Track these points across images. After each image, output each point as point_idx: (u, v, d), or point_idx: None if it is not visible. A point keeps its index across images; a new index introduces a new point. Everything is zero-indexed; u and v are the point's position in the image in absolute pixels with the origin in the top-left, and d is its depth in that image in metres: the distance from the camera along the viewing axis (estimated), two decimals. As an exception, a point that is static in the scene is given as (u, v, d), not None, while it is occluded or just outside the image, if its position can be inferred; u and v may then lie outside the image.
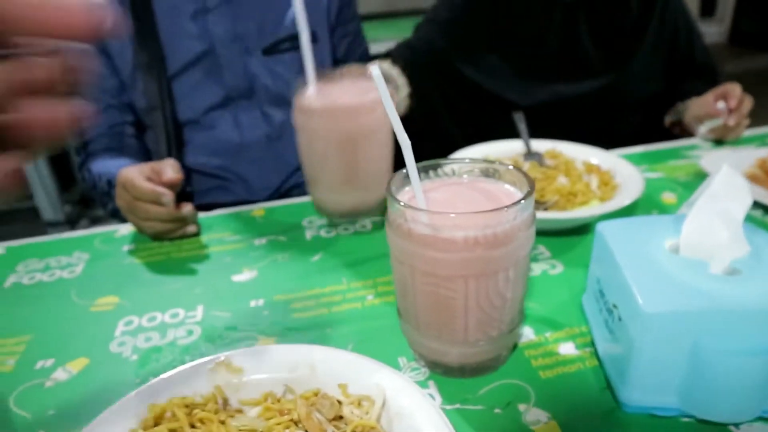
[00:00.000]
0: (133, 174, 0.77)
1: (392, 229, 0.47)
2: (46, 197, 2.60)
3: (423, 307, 0.49)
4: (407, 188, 0.50)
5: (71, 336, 0.63)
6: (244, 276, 0.72)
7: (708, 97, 1.05)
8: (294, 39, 1.07)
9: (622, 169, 0.86)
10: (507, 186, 0.52)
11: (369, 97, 0.72)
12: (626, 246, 0.52)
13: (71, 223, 2.81)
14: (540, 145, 0.96)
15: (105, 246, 0.83)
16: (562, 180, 0.84)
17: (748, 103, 1.02)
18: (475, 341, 0.50)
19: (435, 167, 0.54)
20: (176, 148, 1.06)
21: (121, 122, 1.06)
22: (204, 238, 0.82)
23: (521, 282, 0.50)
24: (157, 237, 0.81)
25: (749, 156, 0.93)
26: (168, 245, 0.81)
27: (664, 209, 0.84)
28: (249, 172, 1.09)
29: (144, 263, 0.77)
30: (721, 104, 1.02)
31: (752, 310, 0.43)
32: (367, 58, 1.24)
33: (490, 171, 0.53)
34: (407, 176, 0.49)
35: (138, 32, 1.00)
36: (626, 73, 1.15)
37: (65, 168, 3.03)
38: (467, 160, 0.54)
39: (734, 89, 1.02)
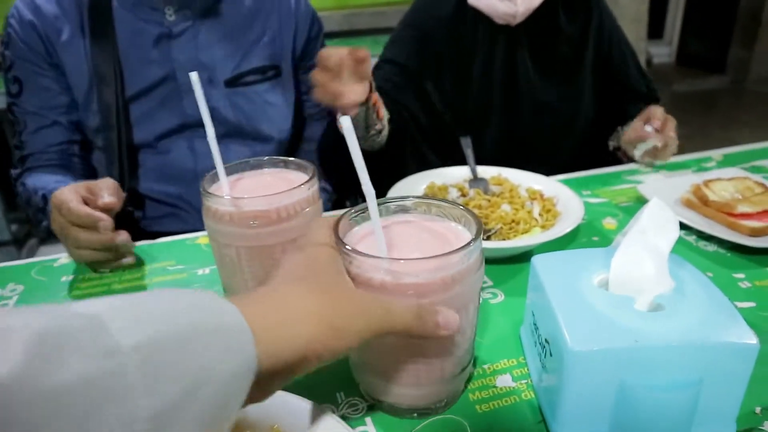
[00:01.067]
0: (67, 196, 0.73)
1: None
2: (-10, 216, 2.51)
3: (379, 352, 0.49)
4: (354, 230, 0.50)
5: None
6: (185, 308, 0.70)
7: (636, 123, 1.09)
8: (258, 72, 1.06)
9: (564, 196, 0.88)
10: (453, 224, 0.52)
11: (294, 198, 0.60)
12: (558, 280, 0.53)
13: (18, 243, 2.71)
14: (486, 170, 0.98)
15: (42, 277, 0.80)
16: (505, 208, 0.85)
17: (672, 123, 1.07)
18: (428, 383, 0.50)
19: (382, 204, 0.54)
20: (129, 172, 1.03)
21: (67, 140, 1.03)
22: (147, 267, 0.81)
23: (473, 321, 0.50)
24: (93, 267, 0.79)
25: (686, 181, 0.97)
26: (109, 276, 0.79)
27: (604, 235, 0.87)
28: (196, 198, 1.08)
29: (82, 296, 0.75)
30: (648, 127, 1.06)
31: (673, 346, 0.45)
32: None
33: (436, 208, 0.53)
34: (354, 218, 0.49)
35: (97, 49, 0.97)
36: (568, 100, 1.19)
37: (10, 186, 2.93)
38: (411, 198, 0.54)
39: (656, 111, 1.07)
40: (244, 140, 1.07)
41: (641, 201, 0.96)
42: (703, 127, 3.95)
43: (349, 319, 0.38)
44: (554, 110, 1.18)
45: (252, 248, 0.61)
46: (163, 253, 0.84)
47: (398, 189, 0.90)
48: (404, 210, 0.54)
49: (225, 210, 0.59)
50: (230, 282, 0.66)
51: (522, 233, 0.80)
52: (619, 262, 0.52)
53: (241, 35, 1.05)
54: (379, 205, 0.53)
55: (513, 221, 0.83)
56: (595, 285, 0.52)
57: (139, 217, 1.07)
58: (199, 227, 1.07)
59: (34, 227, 0.95)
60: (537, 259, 0.57)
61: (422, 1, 1.22)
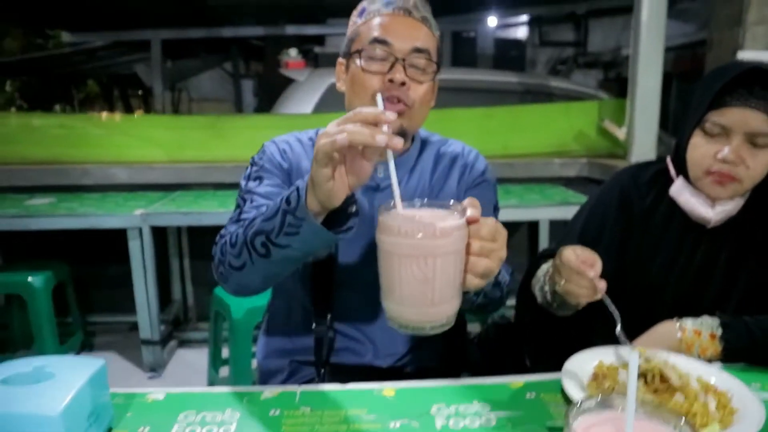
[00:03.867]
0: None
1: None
2: (147, 317, 2.78)
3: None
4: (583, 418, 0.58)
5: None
6: (385, 460, 0.79)
7: None
8: None
9: (738, 392, 0.90)
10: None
11: (447, 223, 0.77)
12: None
13: (163, 342, 2.97)
14: (652, 354, 1.01)
15: (253, 407, 0.93)
16: (678, 398, 0.88)
17: None
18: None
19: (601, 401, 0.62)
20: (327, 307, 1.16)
21: None
22: (341, 413, 0.91)
23: None
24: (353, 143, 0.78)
25: None
26: (310, 416, 0.90)
27: (783, 439, 0.86)
28: (378, 335, 1.18)
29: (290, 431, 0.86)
30: None
31: None
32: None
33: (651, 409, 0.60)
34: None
35: None
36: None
37: (164, 288, 3.27)
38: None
39: None
40: None
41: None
42: None
43: None
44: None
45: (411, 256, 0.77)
46: (355, 400, 0.95)
47: (571, 364, 0.96)
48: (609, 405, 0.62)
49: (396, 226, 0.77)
50: (388, 286, 0.80)
51: (700, 427, 0.83)
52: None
53: (430, 190, 1.21)
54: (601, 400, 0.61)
55: (688, 413, 0.85)
56: None
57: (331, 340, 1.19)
58: (371, 361, 1.17)
59: (274, 233, 0.93)
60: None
61: (622, 182, 1.30)
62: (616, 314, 1.01)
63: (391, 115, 0.79)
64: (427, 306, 0.79)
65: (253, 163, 1.20)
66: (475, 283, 0.82)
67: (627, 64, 3.28)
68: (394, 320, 0.82)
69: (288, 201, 0.90)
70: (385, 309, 0.83)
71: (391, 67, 1.08)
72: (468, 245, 0.80)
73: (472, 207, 0.80)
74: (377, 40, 1.09)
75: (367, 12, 1.14)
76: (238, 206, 1.15)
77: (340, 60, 1.18)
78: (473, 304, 1.08)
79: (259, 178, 1.17)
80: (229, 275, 1.05)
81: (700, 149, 1.14)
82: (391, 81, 1.07)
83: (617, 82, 7.38)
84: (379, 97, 0.93)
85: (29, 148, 3.32)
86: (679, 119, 6.97)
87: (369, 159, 0.83)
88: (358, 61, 1.10)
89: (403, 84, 1.07)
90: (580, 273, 0.98)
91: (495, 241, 0.82)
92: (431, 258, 0.76)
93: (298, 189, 0.89)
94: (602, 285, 0.98)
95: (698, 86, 1.17)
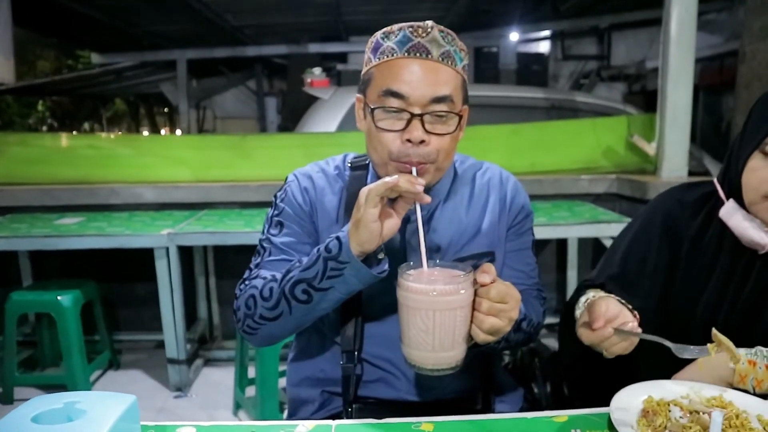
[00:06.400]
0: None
1: None
2: (174, 336, 2.77)
3: None
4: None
5: None
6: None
7: None
8: (476, 257, 1.13)
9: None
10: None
11: (446, 286, 0.89)
12: None
13: (189, 362, 2.96)
14: (701, 388, 0.96)
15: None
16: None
17: None
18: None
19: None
20: (360, 339, 1.13)
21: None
22: (378, 448, 0.88)
23: None
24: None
25: None
26: (345, 452, 0.87)
27: None
28: (409, 368, 1.14)
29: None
30: None
31: None
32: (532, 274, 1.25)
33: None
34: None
35: (347, 220, 1.06)
36: None
37: (190, 306, 3.27)
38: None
39: None
40: None
41: None
42: None
43: None
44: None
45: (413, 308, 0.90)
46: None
47: (618, 399, 0.91)
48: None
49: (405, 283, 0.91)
50: (408, 335, 0.92)
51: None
52: None
53: (467, 223, 1.16)
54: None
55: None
56: None
57: (358, 377, 1.15)
58: (404, 395, 1.13)
59: (315, 284, 1.01)
60: None
61: (667, 206, 1.24)
62: (662, 340, 0.95)
63: (423, 180, 0.94)
64: (428, 351, 0.91)
65: (275, 204, 1.18)
66: (482, 337, 0.91)
67: (651, 77, 3.23)
68: (405, 358, 0.95)
69: (328, 249, 0.98)
70: (401, 348, 0.95)
71: (408, 123, 1.01)
72: (479, 303, 0.90)
73: (484, 273, 0.90)
74: (391, 93, 1.01)
75: (381, 50, 1.04)
76: (258, 253, 1.17)
77: (358, 96, 1.11)
78: (495, 350, 1.12)
79: (280, 225, 1.16)
80: (259, 327, 1.06)
81: (758, 173, 1.08)
82: (408, 140, 1.01)
83: (642, 95, 7.28)
84: (414, 170, 1.02)
85: (59, 168, 3.38)
86: (706, 132, 6.84)
87: (399, 212, 0.96)
88: (372, 116, 1.04)
89: (422, 142, 1.01)
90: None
91: (504, 303, 0.89)
92: (430, 311, 0.89)
93: (338, 238, 0.97)
94: (608, 332, 0.95)
95: (756, 107, 1.12)
